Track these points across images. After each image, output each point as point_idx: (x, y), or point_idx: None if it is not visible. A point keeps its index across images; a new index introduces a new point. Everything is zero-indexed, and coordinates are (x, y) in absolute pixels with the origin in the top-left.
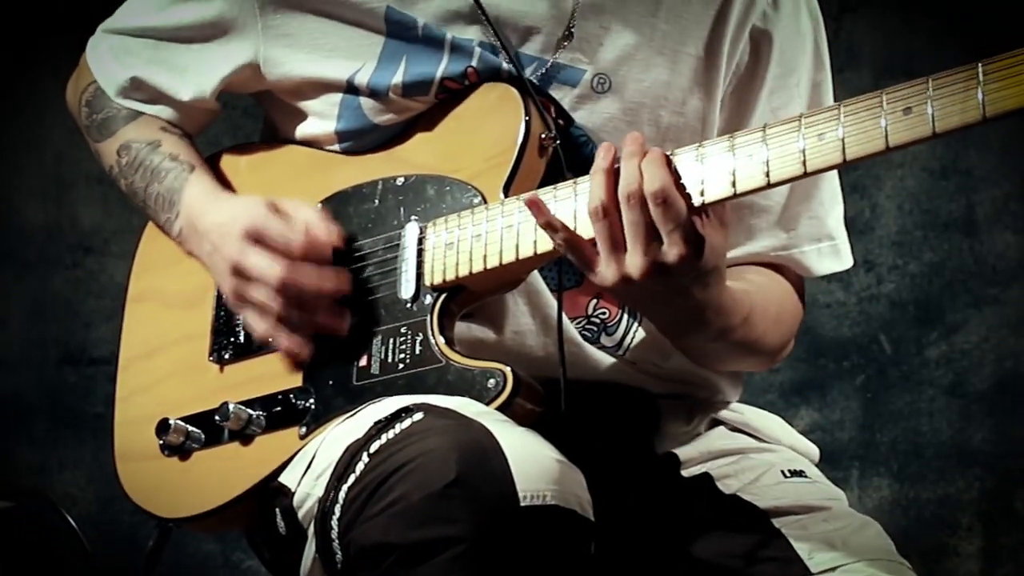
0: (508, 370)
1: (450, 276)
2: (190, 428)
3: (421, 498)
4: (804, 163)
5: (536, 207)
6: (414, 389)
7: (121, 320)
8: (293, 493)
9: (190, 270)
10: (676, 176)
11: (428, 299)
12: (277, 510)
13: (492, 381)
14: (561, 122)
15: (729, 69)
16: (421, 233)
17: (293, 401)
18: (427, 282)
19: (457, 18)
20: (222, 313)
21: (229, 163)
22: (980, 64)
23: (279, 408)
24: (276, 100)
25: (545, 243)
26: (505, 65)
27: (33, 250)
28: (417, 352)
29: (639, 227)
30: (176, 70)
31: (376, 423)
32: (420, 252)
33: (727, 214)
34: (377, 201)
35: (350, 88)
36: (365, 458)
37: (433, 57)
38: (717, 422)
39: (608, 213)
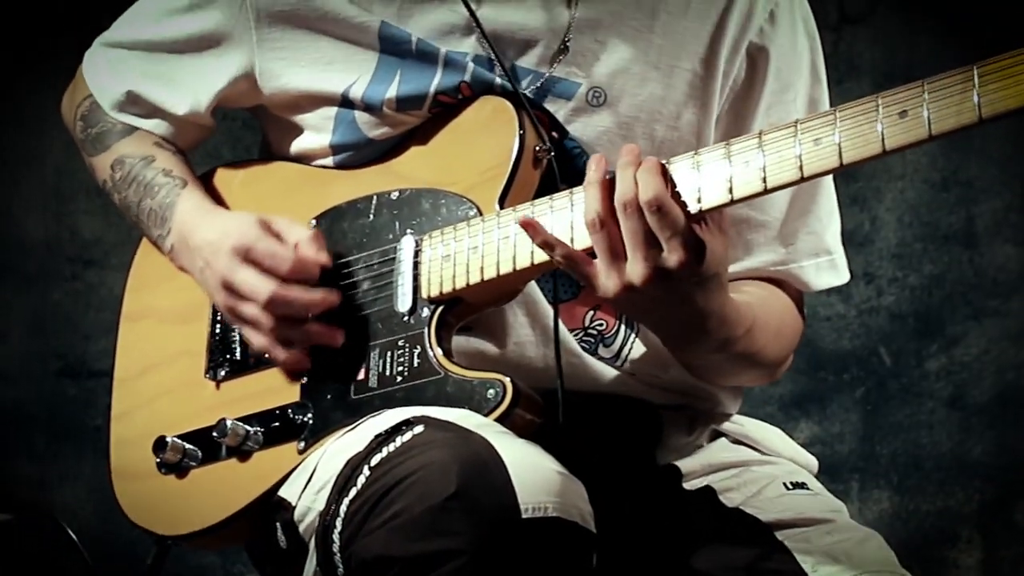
0: (507, 380)
1: (447, 288)
2: (187, 445)
3: (422, 511)
4: (801, 168)
5: (531, 227)
6: (413, 401)
7: (116, 337)
8: (294, 507)
9: (184, 286)
10: (672, 184)
11: (425, 312)
12: (278, 524)
13: (491, 391)
14: (555, 134)
15: (726, 84)
16: (417, 246)
17: (291, 416)
18: (424, 295)
19: (453, 31)
20: (218, 329)
21: (225, 178)
22: (975, 66)
23: (277, 423)
24: (271, 115)
25: (542, 254)
26: (498, 80)
27: (33, 263)
28: (415, 364)
29: (638, 235)
30: (172, 83)
31: (376, 436)
32: (416, 265)
33: (726, 221)
34: (372, 215)
35: (345, 102)
36: (366, 471)
37: (427, 72)
38: (718, 434)
39: (605, 224)
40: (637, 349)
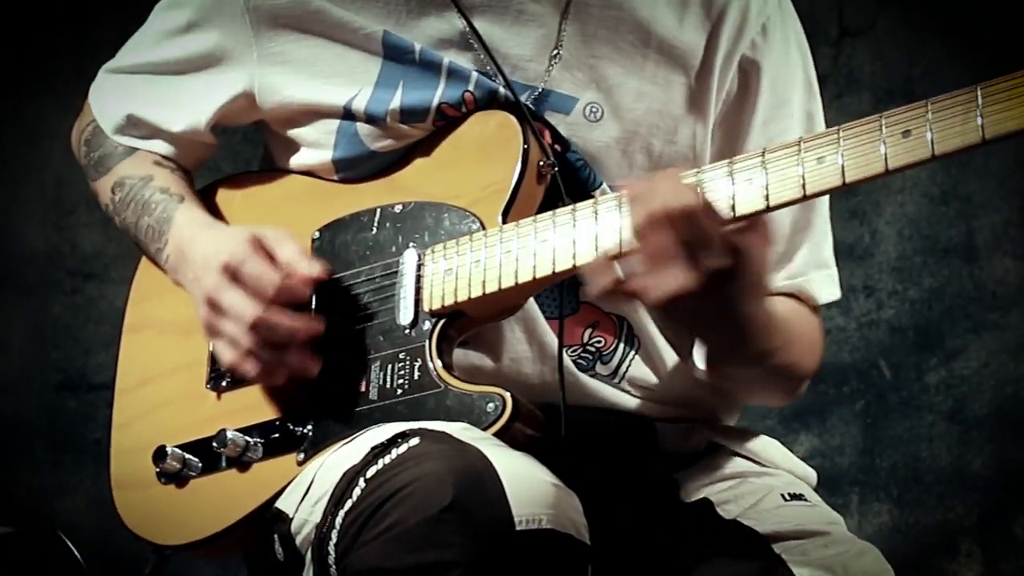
0: (507, 395)
1: (448, 302)
2: (187, 456)
3: (417, 523)
4: (803, 187)
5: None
6: (413, 414)
7: (118, 349)
8: (291, 519)
9: (186, 299)
10: (702, 196)
11: (427, 325)
12: (275, 536)
13: (491, 405)
14: (558, 147)
15: (719, 98)
16: (419, 259)
17: (291, 428)
18: (426, 308)
19: (450, 46)
20: None
21: (226, 193)
22: (979, 87)
23: (277, 435)
24: (272, 129)
25: (544, 268)
26: (502, 90)
27: (33, 275)
28: (416, 377)
29: (681, 245)
30: (170, 103)
31: (373, 448)
32: (418, 278)
33: (767, 228)
34: (375, 228)
35: (347, 114)
36: (362, 483)
37: (430, 82)
38: (716, 446)
39: (650, 233)
40: (636, 367)
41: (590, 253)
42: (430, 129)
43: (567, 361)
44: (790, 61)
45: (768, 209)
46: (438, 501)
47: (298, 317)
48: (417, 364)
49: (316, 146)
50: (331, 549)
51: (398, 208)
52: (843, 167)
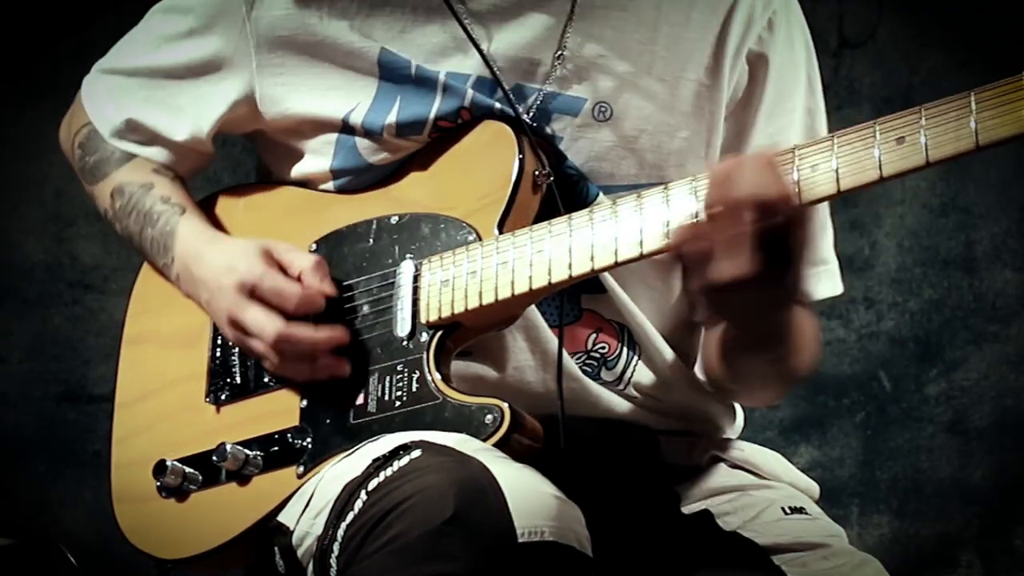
0: (505, 405)
1: (446, 313)
2: (187, 469)
3: (419, 535)
4: (799, 194)
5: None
6: (411, 426)
7: (117, 361)
8: (292, 532)
9: (185, 311)
10: (791, 187)
11: (424, 336)
12: (276, 549)
13: (489, 417)
14: (554, 159)
15: (729, 92)
16: (416, 271)
17: (290, 441)
18: (423, 319)
19: (455, 52)
20: (218, 353)
21: (225, 204)
22: (973, 93)
23: (276, 448)
24: (270, 141)
25: (540, 279)
26: (498, 105)
27: (33, 287)
28: (414, 389)
29: (752, 232)
30: (171, 110)
31: (374, 461)
32: (415, 290)
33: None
34: (372, 240)
35: (345, 127)
36: (363, 496)
37: (426, 97)
38: (717, 459)
39: (723, 215)
40: (640, 372)
41: (586, 263)
42: (426, 141)
43: (574, 367)
44: (794, 57)
45: None
46: (440, 513)
47: (319, 328)
48: (415, 376)
49: (315, 156)
50: (333, 562)
51: (395, 219)
52: (838, 174)
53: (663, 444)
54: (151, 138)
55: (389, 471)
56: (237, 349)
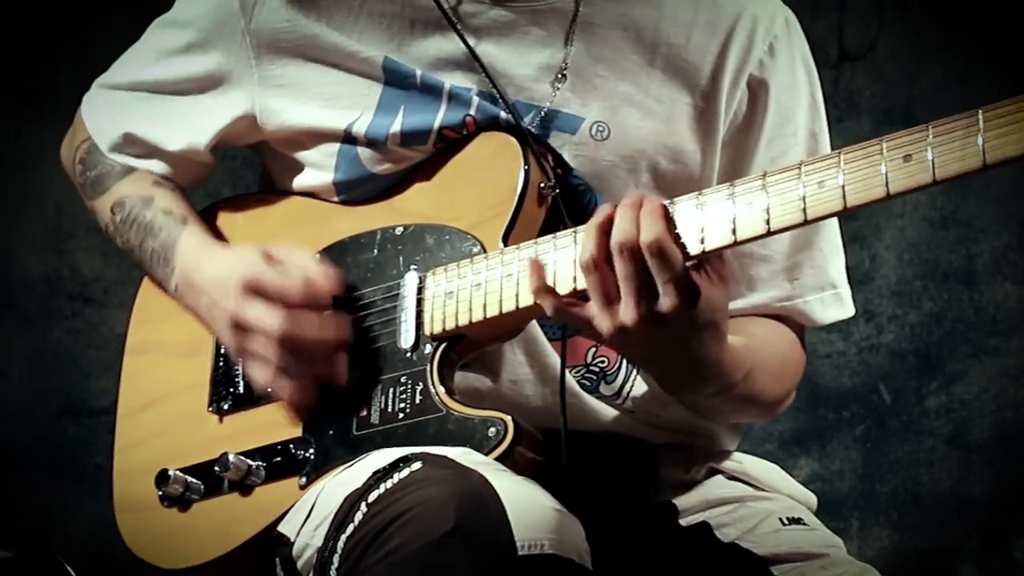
0: (509, 419)
1: (450, 325)
2: (189, 479)
3: (419, 547)
4: (804, 211)
5: (537, 270)
6: (414, 439)
7: (120, 371)
8: (293, 542)
9: (187, 321)
10: (673, 227)
11: (428, 348)
12: (277, 560)
13: (493, 430)
14: (559, 171)
15: (727, 117)
16: (420, 282)
17: (293, 451)
18: (427, 331)
19: (454, 67)
20: (221, 363)
21: (227, 215)
22: (980, 111)
23: (279, 458)
24: (273, 152)
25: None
26: (503, 114)
27: (33, 300)
28: (417, 401)
29: (632, 278)
30: (169, 123)
31: (375, 472)
32: (420, 301)
33: (727, 269)
34: (376, 251)
35: (348, 138)
36: (364, 507)
37: (431, 106)
38: (715, 471)
39: (599, 266)
40: (639, 387)
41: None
42: (430, 151)
43: (572, 381)
44: (796, 80)
45: (769, 233)
46: (440, 526)
47: (324, 324)
48: (419, 388)
49: (317, 168)
50: (333, 573)
51: (399, 230)
52: (844, 191)
53: (661, 457)
54: (149, 151)
55: (390, 483)
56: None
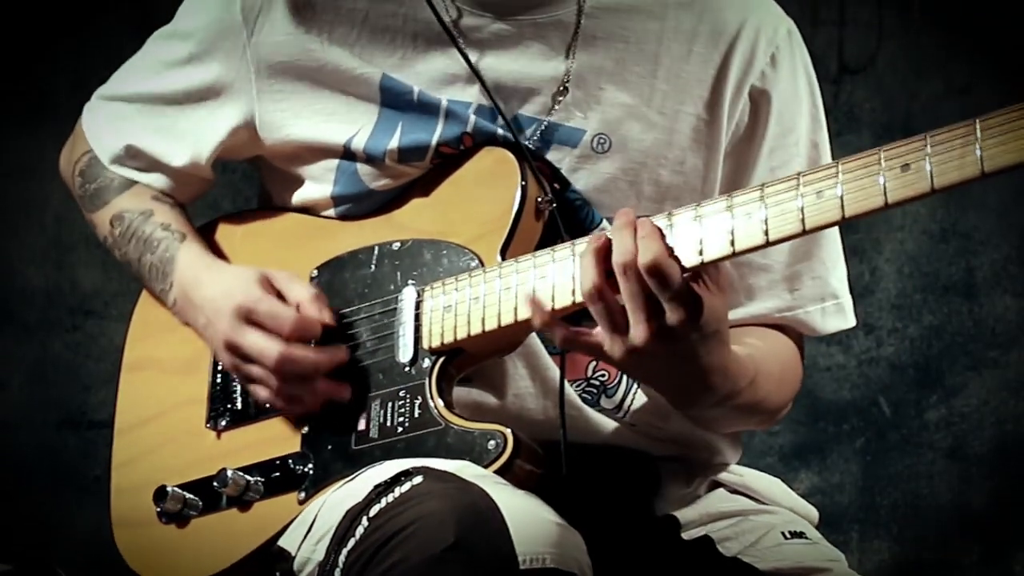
0: (508, 432)
1: (448, 339)
2: (187, 495)
3: (420, 561)
4: (803, 221)
5: (537, 308)
6: (413, 452)
7: (117, 387)
8: (293, 557)
9: (185, 337)
10: (668, 246)
11: (426, 362)
12: (277, 574)
13: (492, 443)
14: (557, 185)
15: (729, 128)
16: (418, 297)
17: (292, 466)
18: (425, 345)
19: (456, 81)
20: (218, 379)
21: (226, 230)
22: (977, 120)
23: (277, 473)
24: (271, 167)
25: (543, 304)
26: (500, 131)
27: (33, 313)
28: (416, 415)
29: (638, 297)
30: (171, 136)
31: (376, 487)
32: (418, 316)
33: (725, 279)
34: (374, 266)
35: (347, 153)
36: (365, 522)
37: (428, 123)
38: (717, 484)
39: (602, 292)
40: (639, 400)
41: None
42: (428, 167)
43: (573, 395)
44: (798, 91)
45: (768, 244)
46: (441, 540)
47: (319, 349)
48: (417, 402)
49: (316, 182)
50: None
51: (397, 245)
52: (842, 201)
53: (663, 470)
54: (150, 164)
55: (391, 497)
56: None
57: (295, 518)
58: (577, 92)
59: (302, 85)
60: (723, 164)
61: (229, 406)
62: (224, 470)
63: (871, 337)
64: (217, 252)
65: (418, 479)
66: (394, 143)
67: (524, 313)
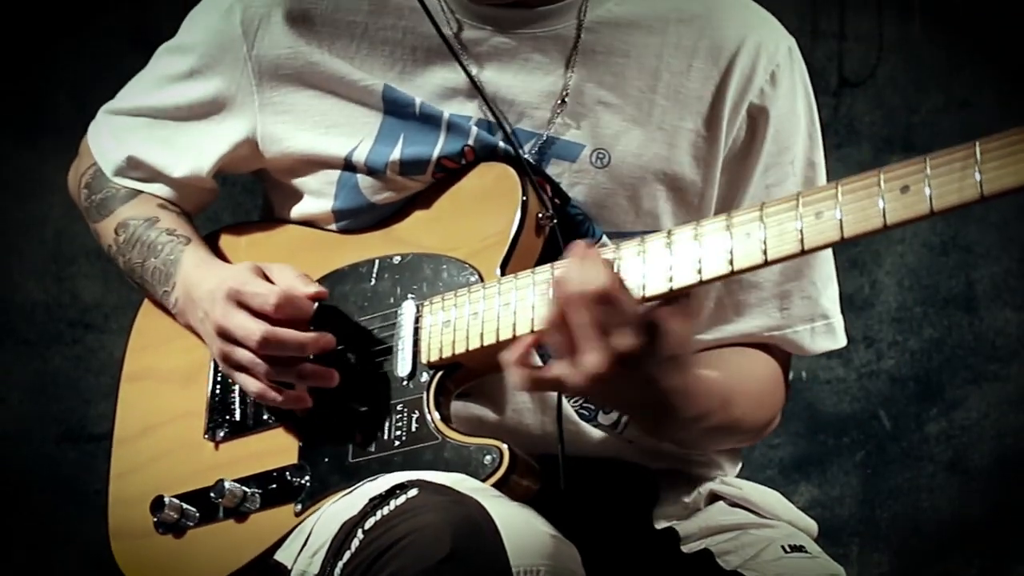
0: (504, 446)
1: (447, 354)
2: (185, 506)
3: (416, 573)
4: (802, 241)
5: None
6: (410, 466)
7: (116, 398)
8: (289, 570)
9: (184, 348)
10: (614, 274)
11: (424, 377)
12: None
13: (488, 457)
14: (558, 201)
15: (727, 143)
16: (418, 311)
17: (288, 478)
18: (424, 360)
19: (456, 94)
20: (217, 391)
21: (227, 242)
22: (978, 143)
23: (274, 485)
24: (274, 180)
25: (542, 322)
26: (502, 144)
27: (33, 326)
28: (413, 429)
29: (590, 327)
30: (172, 148)
31: (371, 499)
32: (417, 330)
33: (693, 306)
34: (374, 280)
35: (348, 166)
36: (360, 534)
37: (430, 136)
38: (716, 497)
39: (557, 322)
40: None
41: None
42: (429, 181)
43: (571, 411)
44: (796, 110)
45: (766, 263)
46: (436, 552)
47: (303, 330)
48: (415, 416)
49: (317, 196)
50: None
51: (397, 259)
52: (841, 222)
53: (661, 483)
54: (152, 175)
55: (386, 510)
56: (237, 386)
57: (292, 530)
58: (576, 106)
59: (303, 97)
60: (720, 179)
61: (227, 417)
62: (221, 481)
63: (871, 350)
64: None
65: (413, 491)
66: (396, 155)
67: (523, 329)
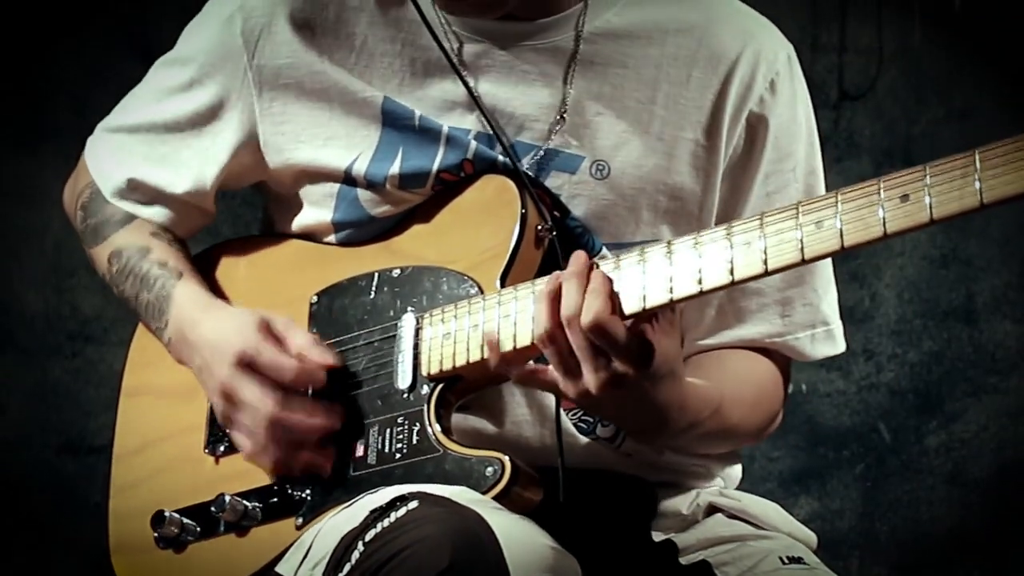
0: (506, 459)
1: (447, 366)
2: (185, 520)
3: None
4: (802, 250)
5: (492, 348)
6: (412, 479)
7: (116, 413)
8: None
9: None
10: (614, 300)
11: (425, 389)
12: None
13: (490, 469)
14: (557, 213)
15: (726, 153)
16: (418, 324)
17: (289, 492)
18: (424, 372)
19: (455, 107)
20: None
21: (226, 256)
22: (977, 152)
23: (275, 499)
24: (273, 192)
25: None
26: (500, 158)
27: (33, 338)
28: (414, 442)
29: (584, 349)
30: (174, 164)
31: (372, 512)
32: (417, 343)
33: (677, 318)
34: (374, 293)
35: (347, 178)
36: (360, 547)
37: (429, 149)
38: (715, 509)
39: (555, 339)
40: None
41: None
42: (429, 194)
43: (569, 425)
44: (796, 117)
45: (767, 273)
46: (436, 564)
47: (315, 412)
48: (415, 428)
49: (316, 207)
50: None
51: (396, 272)
52: (842, 231)
53: (660, 495)
54: (152, 196)
55: (386, 522)
56: None
57: (293, 543)
58: (575, 118)
59: (303, 108)
60: (720, 188)
61: (227, 431)
62: (222, 495)
63: (871, 363)
64: (217, 278)
65: (414, 504)
66: (395, 168)
67: (523, 341)
